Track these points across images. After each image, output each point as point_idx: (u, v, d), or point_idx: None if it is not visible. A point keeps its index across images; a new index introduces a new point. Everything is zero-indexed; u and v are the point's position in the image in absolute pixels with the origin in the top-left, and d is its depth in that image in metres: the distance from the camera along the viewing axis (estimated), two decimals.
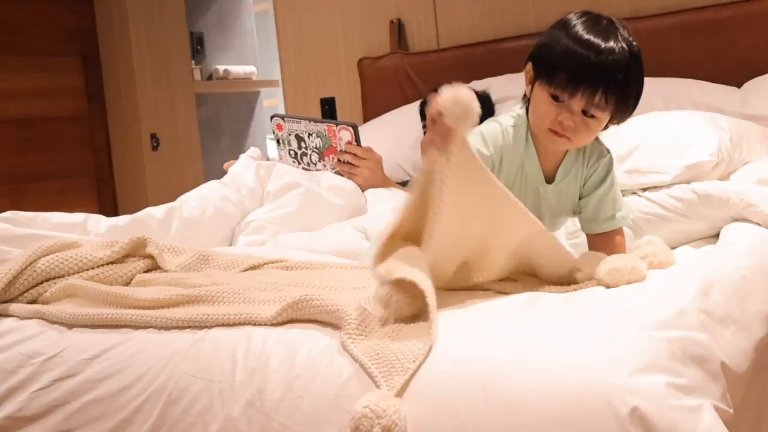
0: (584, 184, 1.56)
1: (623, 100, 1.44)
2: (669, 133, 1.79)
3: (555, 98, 1.46)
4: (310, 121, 2.46)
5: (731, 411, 1.07)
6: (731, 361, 1.13)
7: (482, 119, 2.66)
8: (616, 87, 1.42)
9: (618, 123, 1.50)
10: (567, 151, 1.55)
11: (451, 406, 1.04)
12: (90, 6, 4.34)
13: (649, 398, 0.97)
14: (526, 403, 1.01)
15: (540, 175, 1.55)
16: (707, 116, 1.90)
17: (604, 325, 1.09)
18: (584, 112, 1.44)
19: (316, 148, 2.47)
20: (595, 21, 1.45)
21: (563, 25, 1.47)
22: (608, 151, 1.57)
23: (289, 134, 2.49)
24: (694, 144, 1.72)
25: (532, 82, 1.53)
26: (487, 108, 2.69)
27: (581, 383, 0.99)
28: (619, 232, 1.56)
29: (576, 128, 1.45)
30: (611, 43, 1.42)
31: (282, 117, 2.52)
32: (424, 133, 2.65)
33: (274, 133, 2.53)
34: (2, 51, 3.99)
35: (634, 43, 1.45)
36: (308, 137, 2.46)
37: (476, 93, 2.70)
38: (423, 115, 2.69)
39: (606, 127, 1.50)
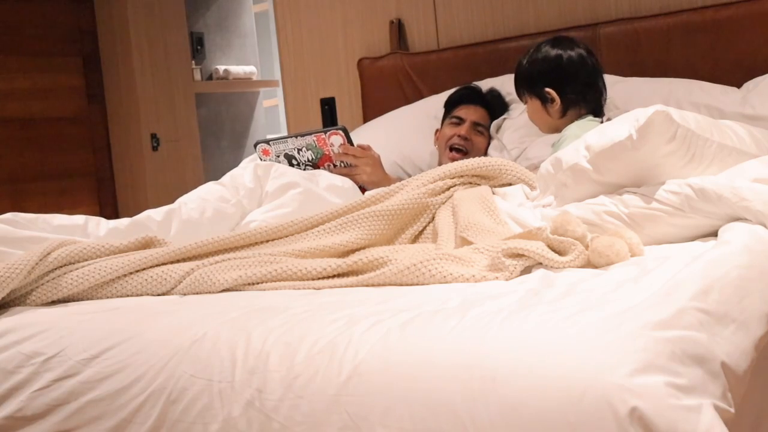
0: None
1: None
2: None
3: None
4: (296, 137, 2.38)
5: (732, 410, 1.07)
6: (731, 360, 1.13)
7: (496, 115, 2.69)
8: None
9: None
10: None
11: (451, 406, 1.04)
12: (90, 6, 4.34)
13: (648, 398, 0.97)
14: (525, 403, 1.01)
15: None
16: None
17: (603, 324, 1.08)
18: None
19: (309, 161, 2.40)
20: None
21: None
22: None
23: (278, 156, 2.39)
24: (612, 128, 1.68)
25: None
26: (502, 104, 2.70)
27: (580, 383, 0.99)
28: None
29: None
30: None
31: (266, 142, 2.42)
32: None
33: (261, 159, 2.40)
34: (2, 51, 3.99)
35: None
36: (298, 153, 2.38)
37: (490, 91, 2.73)
38: (447, 109, 2.70)
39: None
